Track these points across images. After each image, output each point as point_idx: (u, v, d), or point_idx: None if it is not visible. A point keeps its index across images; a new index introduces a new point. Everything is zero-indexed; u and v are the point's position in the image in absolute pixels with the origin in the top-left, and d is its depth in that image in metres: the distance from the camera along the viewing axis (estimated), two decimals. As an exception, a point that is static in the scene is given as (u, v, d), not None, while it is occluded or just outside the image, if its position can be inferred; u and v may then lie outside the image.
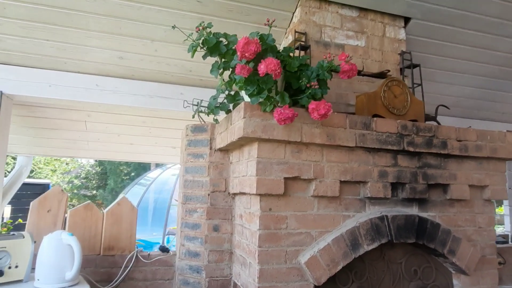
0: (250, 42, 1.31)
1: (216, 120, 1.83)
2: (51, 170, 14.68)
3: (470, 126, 2.05)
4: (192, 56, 1.59)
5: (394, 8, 2.31)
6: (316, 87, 1.47)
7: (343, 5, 2.24)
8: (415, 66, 2.30)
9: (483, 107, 3.32)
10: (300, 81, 1.52)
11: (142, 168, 13.21)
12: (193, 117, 1.85)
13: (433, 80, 2.92)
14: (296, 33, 2.11)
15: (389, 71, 2.22)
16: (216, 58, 1.64)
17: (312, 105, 1.45)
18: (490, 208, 2.10)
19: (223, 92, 1.72)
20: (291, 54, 1.63)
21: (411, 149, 1.82)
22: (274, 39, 1.47)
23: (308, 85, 1.49)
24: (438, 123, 2.14)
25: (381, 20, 2.35)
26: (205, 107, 1.77)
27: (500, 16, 2.49)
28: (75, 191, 15.35)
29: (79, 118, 2.77)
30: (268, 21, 1.43)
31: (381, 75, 2.25)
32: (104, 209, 2.25)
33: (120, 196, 2.32)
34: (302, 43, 2.07)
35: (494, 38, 2.66)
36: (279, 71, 1.33)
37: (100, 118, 2.79)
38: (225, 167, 2.04)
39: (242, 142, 1.70)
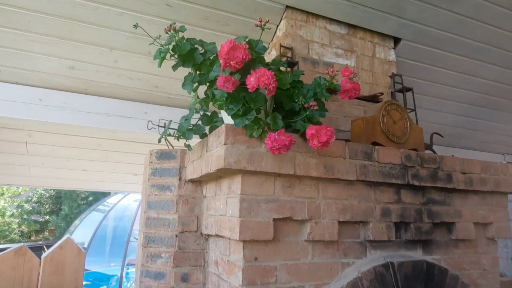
0: (237, 47, 1.01)
1: (188, 146, 1.50)
2: (-2, 193, 13.29)
3: (452, 155, 1.86)
4: (159, 66, 1.27)
5: (384, 27, 2.14)
6: (315, 108, 1.19)
7: (331, 20, 2.04)
8: (407, 89, 2.11)
9: (464, 135, 3.23)
10: (295, 101, 1.23)
11: (101, 193, 12.31)
12: (159, 141, 1.50)
13: (419, 106, 2.77)
14: (282, 48, 1.86)
15: (382, 94, 2.01)
16: (190, 70, 1.33)
17: (310, 130, 1.16)
18: (493, 248, 1.89)
19: (197, 112, 1.40)
20: (282, 68, 1.36)
21: (416, 182, 1.58)
22: (265, 47, 1.18)
23: (306, 106, 1.20)
24: (434, 153, 1.94)
25: (370, 39, 2.16)
26: (175, 129, 1.43)
27: (486, 42, 2.40)
28: (25, 216, 13.95)
29: (18, 139, 2.30)
30: (261, 22, 1.14)
31: (374, 98, 2.04)
32: (44, 253, 1.79)
33: (64, 236, 1.87)
34: (289, 58, 1.81)
35: (479, 64, 2.58)
36: (273, 85, 1.04)
37: (45, 139, 2.34)
38: (197, 201, 1.69)
39: (220, 174, 1.37)
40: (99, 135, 2.29)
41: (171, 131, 1.48)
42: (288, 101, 1.30)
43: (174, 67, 1.33)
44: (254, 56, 1.14)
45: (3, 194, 13.26)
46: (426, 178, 1.62)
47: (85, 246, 6.77)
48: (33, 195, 14.48)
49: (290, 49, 1.88)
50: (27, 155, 2.43)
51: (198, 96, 1.43)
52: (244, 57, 1.01)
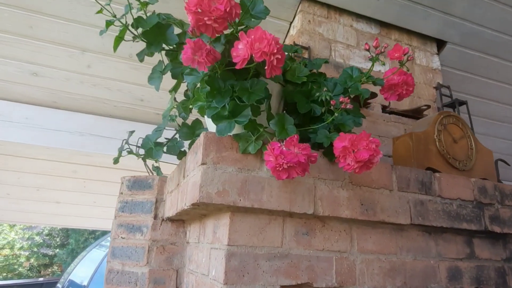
0: (216, -5, 0.59)
1: (156, 170, 1.05)
2: (9, 225, 13.05)
3: None
4: (115, 49, 0.86)
5: (425, 27, 1.71)
6: (348, 106, 0.74)
7: (359, 16, 1.62)
8: (461, 103, 1.63)
9: (521, 165, 2.65)
10: (317, 95, 0.78)
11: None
12: (116, 161, 1.06)
13: (466, 128, 2.26)
14: (296, 47, 1.44)
15: (428, 106, 1.54)
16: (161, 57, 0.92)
17: (341, 141, 0.70)
18: None
19: (172, 120, 0.97)
20: (293, 56, 0.93)
21: (497, 228, 1.06)
22: (268, 9, 0.75)
23: (332, 104, 0.75)
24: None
25: (408, 41, 1.73)
26: (138, 147, 1.00)
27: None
28: (35, 249, 13.58)
29: (-24, 164, 1.93)
30: None
31: (417, 112, 1.57)
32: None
33: None
34: (306, 59, 1.39)
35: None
36: (279, 57, 0.60)
37: (8, 165, 1.96)
38: (177, 249, 1.21)
39: (202, 211, 0.91)
40: (74, 160, 1.90)
41: (137, 150, 1.04)
42: (305, 101, 0.86)
43: (140, 55, 0.92)
44: (248, 20, 0.71)
45: (14, 225, 13.02)
46: (510, 221, 1.10)
47: (85, 284, 6.24)
48: (45, 228, 14.18)
49: (307, 49, 1.46)
50: (-12, 184, 2.06)
51: (175, 99, 1.01)
52: (228, 9, 0.58)
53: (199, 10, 0.58)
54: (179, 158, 1.02)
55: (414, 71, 1.70)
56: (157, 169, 1.06)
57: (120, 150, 1.04)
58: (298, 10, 1.55)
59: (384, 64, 0.85)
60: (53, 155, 1.78)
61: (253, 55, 0.59)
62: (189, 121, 1.03)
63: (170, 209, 1.13)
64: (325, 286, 0.84)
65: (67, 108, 1.63)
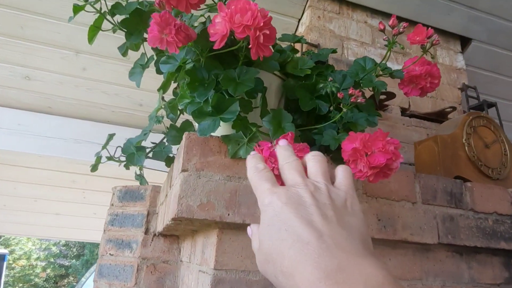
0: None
1: (139, 178, 0.94)
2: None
3: None
4: (90, 40, 0.76)
5: (447, 22, 1.56)
6: (360, 100, 0.60)
7: (374, 11, 1.49)
8: (490, 105, 1.46)
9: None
10: (321, 86, 0.65)
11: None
12: (93, 169, 0.95)
13: (494, 134, 2.07)
14: (305, 44, 1.31)
15: (454, 108, 1.37)
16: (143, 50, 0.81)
17: (351, 142, 0.57)
18: None
19: (159, 122, 0.85)
20: (293, 46, 0.81)
21: (544, 249, 0.88)
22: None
23: (340, 96, 0.61)
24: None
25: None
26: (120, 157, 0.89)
27: None
28: (52, 259, 13.68)
29: (-30, 172, 1.87)
30: None
31: (440, 115, 1.41)
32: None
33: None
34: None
35: None
36: (267, 33, 0.47)
37: (2, 174, 1.88)
38: (170, 268, 1.08)
39: (190, 227, 0.78)
40: (72, 169, 1.81)
41: (119, 156, 0.93)
42: (309, 97, 0.72)
43: (121, 48, 0.81)
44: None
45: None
46: (559, 241, 0.92)
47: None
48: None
49: (317, 46, 1.34)
50: (-16, 194, 2.00)
51: (163, 98, 0.89)
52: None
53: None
54: (167, 165, 0.89)
55: (435, 71, 1.55)
56: (140, 177, 0.94)
57: (98, 155, 0.93)
58: (307, 6, 1.43)
59: (403, 48, 0.71)
60: (49, 163, 1.70)
61: (234, 31, 0.46)
62: (179, 123, 0.91)
63: (160, 223, 1.01)
64: (334, 320, 0.69)
65: (62, 114, 1.55)
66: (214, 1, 0.57)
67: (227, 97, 0.57)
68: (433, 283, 0.80)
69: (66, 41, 1.37)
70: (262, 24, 0.46)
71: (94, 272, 1.18)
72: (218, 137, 0.65)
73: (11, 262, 11.64)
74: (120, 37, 0.85)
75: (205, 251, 0.73)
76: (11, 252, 11.87)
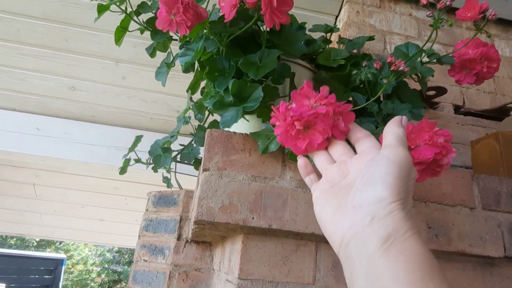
0: None
1: (167, 181, 0.91)
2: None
3: None
4: (117, 41, 0.76)
5: (506, 10, 1.39)
6: (404, 69, 0.52)
7: (419, 3, 1.37)
8: (563, 99, 1.26)
9: None
10: (354, 73, 0.58)
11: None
12: (122, 172, 0.94)
13: None
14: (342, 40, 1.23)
15: (518, 104, 1.21)
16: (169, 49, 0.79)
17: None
18: None
19: (187, 123, 0.82)
20: (326, 36, 0.74)
21: None
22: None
23: (377, 66, 0.54)
24: None
25: (485, 29, 1.41)
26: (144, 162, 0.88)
27: None
28: (106, 265, 14.45)
29: (25, 179, 1.99)
30: None
31: (501, 112, 1.24)
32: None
33: None
34: (354, 52, 1.17)
35: None
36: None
37: (53, 181, 1.99)
38: (202, 276, 1.04)
39: (215, 232, 0.74)
40: (113, 176, 1.87)
41: (148, 159, 0.91)
42: (343, 89, 0.65)
43: (148, 49, 0.80)
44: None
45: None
46: None
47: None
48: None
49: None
50: (37, 200, 2.12)
51: (191, 99, 0.87)
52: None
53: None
54: (196, 167, 0.86)
55: (494, 64, 1.38)
56: (167, 180, 0.92)
57: (126, 158, 0.92)
58: (345, 1, 1.35)
59: (451, 25, 0.61)
60: (93, 170, 1.77)
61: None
62: (207, 124, 0.88)
63: (191, 229, 0.98)
64: None
65: (104, 122, 1.60)
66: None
67: (249, 83, 0.52)
68: (499, 305, 0.67)
69: (107, 51, 1.42)
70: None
71: (129, 279, 1.17)
72: (243, 134, 0.60)
73: (70, 266, 12.45)
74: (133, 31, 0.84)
75: (231, 258, 0.68)
76: (70, 257, 12.71)
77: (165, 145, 0.82)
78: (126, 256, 14.92)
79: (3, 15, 1.31)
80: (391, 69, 0.52)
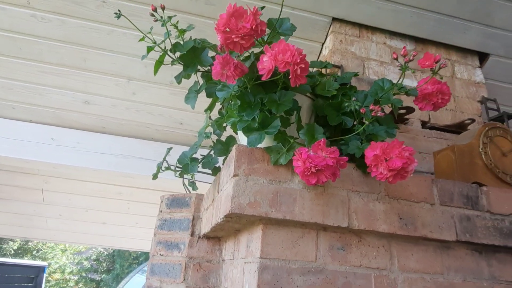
0: (242, 14, 0.63)
1: (192, 185, 1.09)
2: (61, 249, 13.77)
3: None
4: (155, 72, 0.93)
5: (464, 40, 1.65)
6: (380, 114, 0.73)
7: (392, 33, 1.62)
8: (510, 116, 1.53)
9: None
10: (346, 105, 0.78)
11: (153, 252, 12.08)
12: (155, 177, 1.11)
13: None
14: (334, 75, 1.46)
15: (473, 120, 1.46)
16: (196, 78, 0.97)
17: (373, 150, 0.69)
18: None
19: (208, 137, 1.01)
20: (324, 71, 0.94)
21: (560, 249, 0.95)
22: (294, 26, 0.78)
23: (362, 111, 0.74)
24: None
25: (446, 55, 1.68)
26: (176, 166, 1.05)
27: None
28: (83, 274, 14.13)
29: (34, 185, 2.10)
30: None
31: (460, 127, 1.49)
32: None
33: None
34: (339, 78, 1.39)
35: None
36: (302, 67, 0.62)
37: (61, 186, 2.11)
38: (213, 267, 1.22)
39: (236, 225, 0.92)
40: (118, 182, 2.01)
41: (174, 166, 1.09)
42: (335, 114, 0.86)
43: (178, 77, 0.98)
44: (276, 38, 0.75)
45: (65, 250, 13.71)
46: None
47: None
48: (93, 253, 14.77)
49: (339, 67, 1.47)
50: (44, 204, 2.22)
51: (210, 117, 1.05)
52: (253, 26, 0.62)
53: (228, 29, 0.63)
54: (214, 174, 1.05)
55: (454, 85, 1.64)
56: (193, 184, 1.10)
57: (159, 166, 1.10)
58: (330, 31, 1.58)
59: (414, 72, 0.83)
60: (100, 177, 1.90)
61: (278, 66, 0.61)
62: (223, 138, 1.06)
63: (205, 226, 1.15)
64: (363, 305, 0.80)
65: (113, 133, 1.75)
66: (259, 41, 0.72)
67: (269, 115, 0.72)
68: (454, 278, 0.89)
69: (120, 70, 1.58)
70: (299, 60, 0.60)
71: (146, 271, 1.33)
72: (262, 148, 0.80)
73: (47, 275, 12.14)
74: (167, 65, 1.02)
75: (250, 245, 0.86)
76: (47, 266, 12.36)
77: (193, 155, 1.00)
78: (104, 264, 14.64)
79: (28, 38, 1.46)
80: (372, 114, 0.73)
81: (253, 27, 0.62)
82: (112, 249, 13.80)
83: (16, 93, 1.62)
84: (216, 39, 0.74)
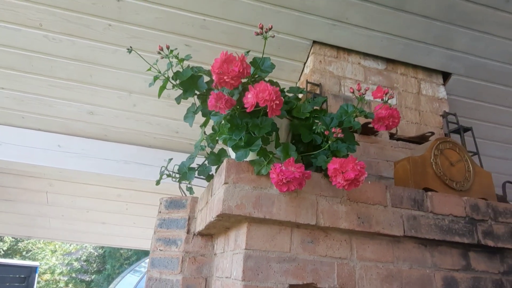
0: (232, 60, 0.82)
1: (190, 190, 1.28)
2: (51, 250, 13.74)
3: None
4: (159, 95, 1.12)
5: (429, 61, 1.88)
6: (340, 135, 0.93)
7: (366, 55, 1.83)
8: (466, 129, 1.76)
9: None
10: (314, 128, 0.98)
11: (143, 252, 12.20)
12: (158, 183, 1.30)
13: (482, 153, 2.34)
14: (309, 84, 1.66)
15: (432, 133, 1.68)
16: (194, 100, 1.16)
17: (333, 164, 0.89)
18: None
19: (202, 149, 1.20)
20: (300, 96, 1.14)
21: (490, 242, 1.17)
22: (274, 64, 0.98)
23: (326, 133, 0.94)
24: None
25: (414, 74, 1.90)
26: (175, 173, 1.23)
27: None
28: (73, 275, 14.12)
29: (39, 188, 2.26)
30: (261, 29, 0.93)
31: (423, 139, 1.71)
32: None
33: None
34: (317, 95, 1.60)
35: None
36: (277, 103, 0.81)
37: (64, 189, 2.27)
38: (206, 260, 1.41)
39: (226, 223, 1.11)
40: (118, 185, 2.18)
41: (174, 173, 1.27)
42: (307, 133, 1.06)
43: (178, 99, 1.17)
44: (258, 75, 0.95)
45: (55, 251, 13.70)
46: (505, 236, 1.20)
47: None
48: (83, 253, 14.77)
49: (318, 85, 1.68)
50: (48, 206, 2.38)
51: (205, 132, 1.24)
52: (241, 70, 0.81)
53: (220, 72, 0.82)
54: (208, 180, 1.24)
55: (420, 101, 1.86)
56: (190, 189, 1.29)
57: (161, 174, 1.28)
58: (311, 52, 1.78)
59: (367, 103, 1.03)
60: (102, 180, 2.07)
61: (258, 102, 0.80)
62: (216, 150, 1.26)
63: (200, 224, 1.34)
64: (327, 286, 1.00)
65: (115, 140, 1.93)
66: (245, 81, 0.91)
67: (253, 135, 0.91)
68: (402, 265, 1.10)
69: (123, 84, 1.76)
70: (275, 98, 0.80)
71: (138, 270, 1.50)
72: (247, 161, 0.99)
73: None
74: (158, 82, 1.20)
75: (237, 239, 1.06)
76: (37, 266, 12.29)
77: (190, 165, 1.19)
78: (94, 265, 14.64)
79: (40, 55, 1.62)
80: (333, 136, 0.93)
81: (241, 70, 0.81)
82: (103, 249, 13.83)
83: (27, 104, 1.78)
84: (208, 57, 0.93)
